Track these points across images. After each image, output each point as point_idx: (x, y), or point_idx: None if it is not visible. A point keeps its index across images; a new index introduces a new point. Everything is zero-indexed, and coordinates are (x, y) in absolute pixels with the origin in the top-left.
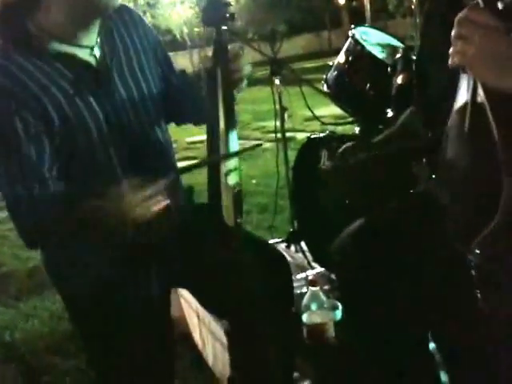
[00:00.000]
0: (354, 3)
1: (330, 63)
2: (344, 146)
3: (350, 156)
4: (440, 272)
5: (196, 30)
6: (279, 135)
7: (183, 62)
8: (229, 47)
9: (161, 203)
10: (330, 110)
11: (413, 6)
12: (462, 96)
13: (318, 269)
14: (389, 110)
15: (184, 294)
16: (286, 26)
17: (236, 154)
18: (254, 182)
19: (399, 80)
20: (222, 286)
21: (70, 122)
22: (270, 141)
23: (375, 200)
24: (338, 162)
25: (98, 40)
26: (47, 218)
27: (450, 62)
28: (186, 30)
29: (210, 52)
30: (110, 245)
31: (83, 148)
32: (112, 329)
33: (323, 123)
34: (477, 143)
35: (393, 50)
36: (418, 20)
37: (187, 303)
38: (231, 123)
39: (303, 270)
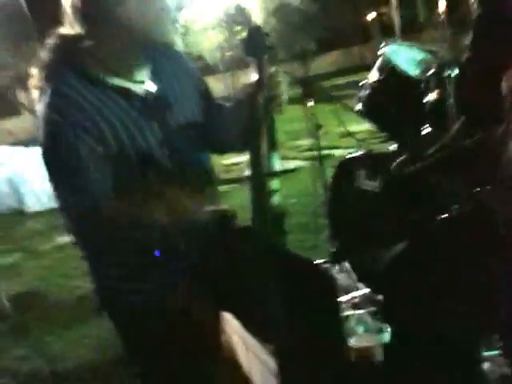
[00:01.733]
0: (384, 17)
1: (359, 78)
2: (398, 160)
3: (405, 167)
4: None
5: (227, 54)
6: (316, 153)
7: (217, 85)
8: (269, 74)
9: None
10: (364, 125)
11: (442, 17)
12: None
13: (363, 289)
14: (423, 127)
15: (228, 317)
16: (315, 45)
17: (279, 173)
18: (292, 201)
19: (433, 96)
20: (266, 310)
21: (126, 148)
22: (306, 159)
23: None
24: (395, 173)
25: (149, 74)
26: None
27: None
28: (218, 55)
29: (243, 76)
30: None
31: (133, 174)
32: (165, 353)
33: (358, 140)
34: None
35: (425, 66)
36: (447, 31)
37: (232, 327)
38: (273, 145)
39: (348, 290)
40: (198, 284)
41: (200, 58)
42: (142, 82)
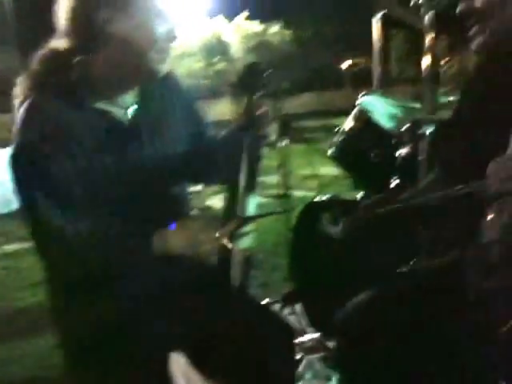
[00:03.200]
0: (359, 67)
1: (330, 122)
2: (369, 200)
3: (375, 207)
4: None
5: (202, 82)
6: (279, 193)
7: None
8: (260, 111)
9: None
10: (328, 169)
11: (423, 73)
12: None
13: (313, 334)
14: (392, 180)
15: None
16: (289, 85)
17: (257, 216)
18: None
19: (405, 151)
20: (220, 351)
21: (100, 172)
22: (269, 196)
23: (386, 265)
24: (363, 213)
25: (136, 101)
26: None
27: None
28: (192, 83)
29: (216, 106)
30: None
31: (108, 198)
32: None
33: (322, 184)
34: None
35: (400, 121)
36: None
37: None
38: (252, 186)
39: (297, 334)
40: (154, 317)
41: None
42: (126, 108)
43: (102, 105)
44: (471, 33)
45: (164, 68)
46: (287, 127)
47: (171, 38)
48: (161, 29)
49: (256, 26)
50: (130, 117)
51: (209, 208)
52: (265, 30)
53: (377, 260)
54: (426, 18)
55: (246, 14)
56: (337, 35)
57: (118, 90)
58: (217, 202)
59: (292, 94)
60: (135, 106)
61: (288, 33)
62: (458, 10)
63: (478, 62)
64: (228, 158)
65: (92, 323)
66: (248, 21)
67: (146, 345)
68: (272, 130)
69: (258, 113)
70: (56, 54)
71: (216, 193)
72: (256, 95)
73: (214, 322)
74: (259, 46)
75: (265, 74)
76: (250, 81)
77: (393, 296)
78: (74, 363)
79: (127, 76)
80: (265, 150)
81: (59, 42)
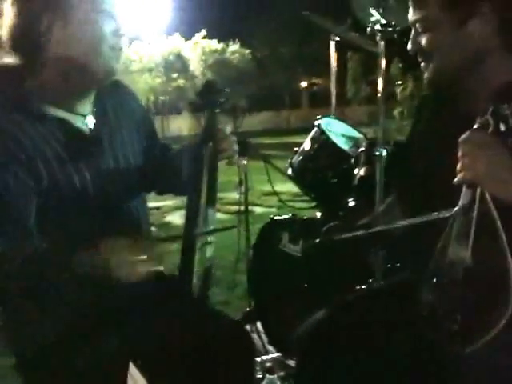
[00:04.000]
0: (315, 87)
1: (285, 141)
2: (328, 225)
3: (334, 233)
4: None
5: (161, 98)
6: (238, 208)
7: None
8: (219, 127)
9: (152, 267)
10: (287, 186)
11: (379, 95)
12: (465, 200)
13: (273, 353)
14: (350, 200)
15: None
16: (247, 102)
17: (214, 231)
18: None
19: (361, 172)
20: (178, 364)
21: (58, 183)
22: (228, 213)
23: (342, 285)
24: (323, 238)
25: (92, 109)
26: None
27: (457, 177)
28: (151, 98)
29: (174, 121)
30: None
31: (65, 208)
32: None
33: (281, 200)
34: (481, 248)
35: (356, 142)
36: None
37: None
38: (212, 200)
39: (258, 353)
40: (113, 335)
41: None
42: (84, 116)
43: (60, 113)
44: (422, 67)
45: (117, 68)
46: (246, 145)
47: (119, 34)
48: (106, 27)
49: (215, 45)
50: (87, 125)
51: (168, 224)
52: (223, 49)
53: (335, 279)
54: (381, 44)
55: (203, 32)
56: (294, 56)
57: (72, 96)
58: (176, 218)
59: (251, 112)
60: (91, 114)
61: (246, 52)
62: (408, 49)
63: (426, 94)
64: (187, 170)
65: (30, 338)
66: (206, 39)
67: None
68: (231, 145)
69: (217, 127)
70: (5, 68)
71: (175, 209)
72: (215, 111)
73: (171, 337)
74: (218, 63)
75: (223, 92)
76: (208, 97)
77: (351, 314)
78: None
79: (80, 79)
80: (224, 166)
81: (6, 58)
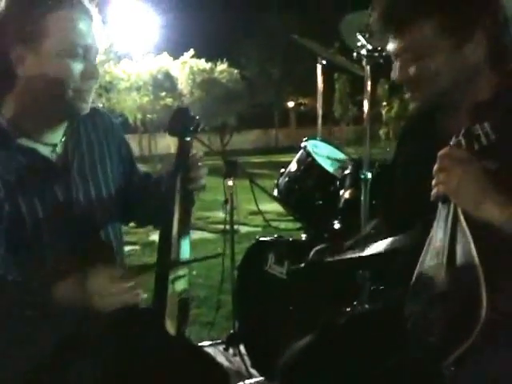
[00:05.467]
0: (302, 107)
1: (272, 160)
2: (317, 248)
3: (324, 256)
4: None
5: (149, 116)
6: (224, 227)
7: (133, 145)
8: (190, 155)
9: (136, 297)
10: (273, 206)
11: (365, 115)
12: (441, 220)
13: (257, 377)
14: (335, 222)
15: None
16: (236, 120)
17: (193, 261)
18: (194, 273)
19: (347, 195)
20: None
21: (21, 213)
22: (213, 232)
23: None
24: (313, 259)
25: (63, 139)
26: None
27: (432, 192)
28: (139, 116)
29: (161, 139)
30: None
31: (29, 238)
32: None
33: (267, 220)
34: (455, 262)
35: (342, 165)
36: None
37: None
38: (185, 229)
39: (240, 376)
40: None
41: (121, 115)
42: (55, 145)
43: (28, 143)
44: (410, 97)
45: (85, 106)
46: (234, 165)
47: (89, 77)
48: (76, 68)
49: (203, 64)
50: (56, 155)
51: (152, 243)
52: (212, 68)
53: (320, 302)
54: (367, 68)
55: (192, 51)
56: (282, 76)
57: (42, 126)
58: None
59: (239, 130)
60: (61, 143)
61: (235, 71)
62: (394, 79)
63: (411, 119)
64: (160, 201)
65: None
66: (194, 58)
67: None
68: (204, 174)
69: (189, 156)
70: None
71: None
72: (186, 139)
73: (145, 366)
74: (206, 82)
75: (194, 119)
76: (179, 125)
77: (335, 340)
78: None
79: (45, 113)
80: (210, 185)
81: None
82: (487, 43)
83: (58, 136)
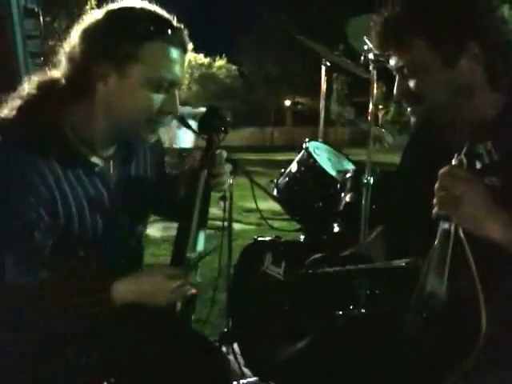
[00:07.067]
0: (299, 106)
1: (268, 158)
2: (314, 257)
3: (318, 267)
4: None
5: None
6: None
7: None
8: (216, 152)
9: (190, 291)
10: (268, 204)
11: (369, 117)
12: (442, 233)
13: (250, 376)
14: (335, 225)
15: None
16: (232, 117)
17: (201, 257)
18: None
19: (347, 198)
20: None
21: (72, 226)
22: (209, 228)
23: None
24: (308, 269)
25: (115, 153)
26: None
27: (433, 211)
28: None
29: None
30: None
31: (74, 246)
32: None
33: (264, 219)
34: (456, 280)
35: (343, 168)
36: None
37: None
38: (203, 223)
39: (233, 375)
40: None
41: None
42: (106, 159)
43: (89, 156)
44: (409, 112)
45: (152, 138)
46: (234, 163)
47: (167, 111)
48: (157, 100)
49: (202, 58)
50: (110, 166)
51: (146, 236)
52: (210, 63)
53: (316, 303)
54: (374, 73)
55: (191, 45)
56: (280, 74)
57: (101, 142)
58: (154, 230)
59: (235, 127)
60: (114, 156)
61: (233, 67)
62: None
63: (413, 134)
64: (183, 194)
65: None
66: (193, 52)
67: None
68: (226, 171)
69: (215, 153)
70: (51, 84)
71: (154, 221)
72: (215, 137)
73: (146, 357)
74: (204, 77)
75: (225, 119)
76: (211, 123)
77: (332, 343)
78: None
79: (112, 134)
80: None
81: (57, 76)
82: (482, 59)
83: (110, 150)
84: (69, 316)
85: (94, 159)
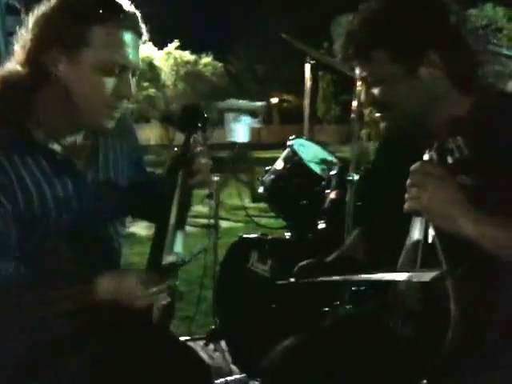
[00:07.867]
0: (286, 104)
1: (258, 156)
2: (301, 264)
3: (306, 274)
4: None
5: (131, 105)
6: (208, 222)
7: None
8: (195, 150)
9: (166, 298)
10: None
11: (352, 115)
12: (414, 235)
13: (237, 373)
14: (320, 222)
15: None
16: (218, 114)
17: (184, 263)
18: None
19: (332, 195)
20: None
21: (34, 211)
22: (195, 226)
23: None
24: (295, 277)
25: (82, 143)
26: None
27: (405, 206)
28: None
29: (145, 129)
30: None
31: (39, 236)
32: None
33: (250, 216)
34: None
35: (328, 165)
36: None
37: None
38: (181, 224)
39: (221, 372)
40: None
41: None
42: (71, 147)
43: (51, 144)
44: (378, 118)
45: (110, 123)
46: (219, 161)
47: (121, 95)
48: (109, 84)
49: (187, 55)
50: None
51: (133, 235)
52: (196, 61)
53: (302, 300)
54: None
55: (176, 43)
56: (267, 72)
57: (64, 130)
58: (140, 229)
59: (218, 125)
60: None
61: (219, 65)
62: (362, 101)
63: (385, 136)
64: (159, 197)
65: None
66: (179, 50)
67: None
68: (206, 168)
69: (193, 152)
70: (9, 76)
71: (138, 220)
72: (192, 136)
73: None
74: (190, 75)
75: (203, 117)
76: (188, 121)
77: (320, 341)
78: None
79: (70, 119)
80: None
81: (14, 68)
82: (443, 64)
83: (78, 138)
84: (44, 309)
85: (55, 146)
